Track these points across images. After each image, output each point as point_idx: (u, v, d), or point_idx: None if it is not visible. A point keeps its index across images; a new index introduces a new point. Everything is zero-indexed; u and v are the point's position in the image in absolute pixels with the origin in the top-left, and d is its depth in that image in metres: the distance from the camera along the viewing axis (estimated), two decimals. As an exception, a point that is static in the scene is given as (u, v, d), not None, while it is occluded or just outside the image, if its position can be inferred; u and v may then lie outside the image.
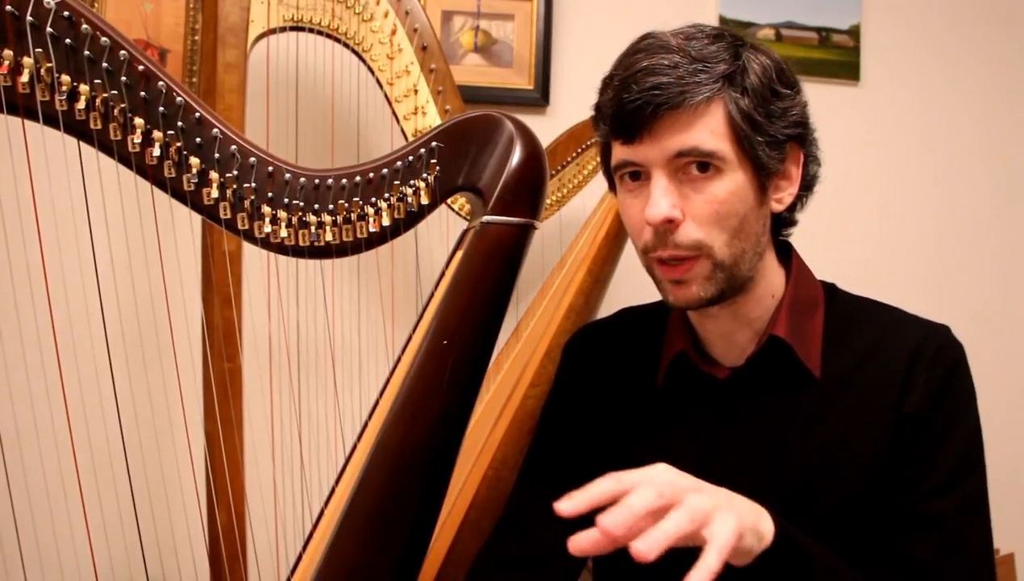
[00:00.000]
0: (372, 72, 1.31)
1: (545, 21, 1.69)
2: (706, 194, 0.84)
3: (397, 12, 1.30)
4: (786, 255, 0.97)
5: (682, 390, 0.97)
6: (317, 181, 0.91)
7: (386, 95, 1.32)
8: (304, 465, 1.34)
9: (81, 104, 0.79)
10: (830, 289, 0.98)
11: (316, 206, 0.90)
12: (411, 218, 0.94)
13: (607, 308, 1.49)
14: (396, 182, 0.93)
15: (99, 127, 0.81)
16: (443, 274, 0.97)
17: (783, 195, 0.90)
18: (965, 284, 1.93)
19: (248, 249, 1.16)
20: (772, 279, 0.94)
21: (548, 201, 1.44)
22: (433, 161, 0.93)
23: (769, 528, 0.76)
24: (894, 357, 0.90)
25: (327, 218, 0.91)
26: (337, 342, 1.52)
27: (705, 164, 0.83)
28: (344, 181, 0.92)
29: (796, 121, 0.87)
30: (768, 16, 1.83)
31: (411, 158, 0.93)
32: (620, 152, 0.87)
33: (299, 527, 1.30)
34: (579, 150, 1.52)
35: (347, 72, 1.37)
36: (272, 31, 1.25)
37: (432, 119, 1.32)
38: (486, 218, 0.92)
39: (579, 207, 1.59)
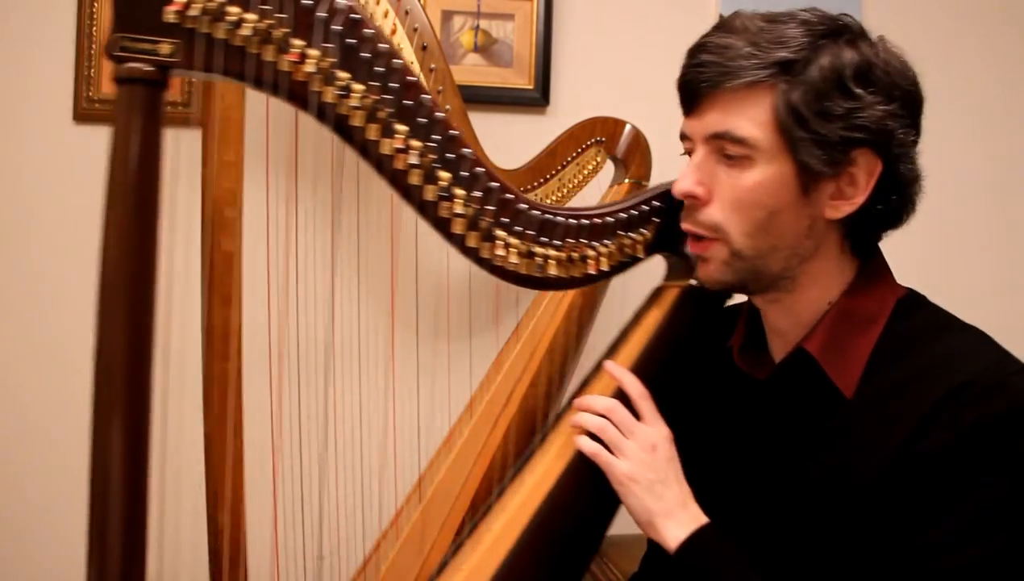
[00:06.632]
0: (372, 72, 1.31)
1: (545, 21, 1.69)
2: (733, 180, 0.84)
3: (397, 12, 1.29)
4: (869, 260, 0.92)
5: (728, 387, 0.98)
6: (548, 216, 0.94)
7: (386, 95, 1.31)
8: (304, 465, 1.34)
9: (353, 101, 0.80)
10: (906, 303, 0.89)
11: (543, 239, 0.94)
12: (620, 267, 0.99)
13: (607, 307, 1.49)
14: (619, 231, 0.98)
15: (360, 125, 0.81)
16: (631, 327, 1.04)
17: (842, 202, 0.84)
18: (963, 283, 1.93)
19: (248, 249, 1.16)
20: (832, 285, 0.89)
21: (548, 201, 1.43)
22: (656, 219, 0.99)
23: (674, 538, 0.86)
24: (932, 388, 0.79)
25: (552, 253, 0.94)
26: (337, 342, 1.52)
27: (736, 150, 0.83)
28: (572, 221, 0.95)
29: (863, 126, 0.80)
30: (768, 16, 1.82)
31: (635, 212, 0.98)
32: (682, 123, 0.90)
33: (298, 527, 1.30)
34: (579, 150, 1.51)
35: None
36: (272, 31, 1.25)
37: (433, 119, 1.31)
38: (695, 281, 0.98)
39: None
